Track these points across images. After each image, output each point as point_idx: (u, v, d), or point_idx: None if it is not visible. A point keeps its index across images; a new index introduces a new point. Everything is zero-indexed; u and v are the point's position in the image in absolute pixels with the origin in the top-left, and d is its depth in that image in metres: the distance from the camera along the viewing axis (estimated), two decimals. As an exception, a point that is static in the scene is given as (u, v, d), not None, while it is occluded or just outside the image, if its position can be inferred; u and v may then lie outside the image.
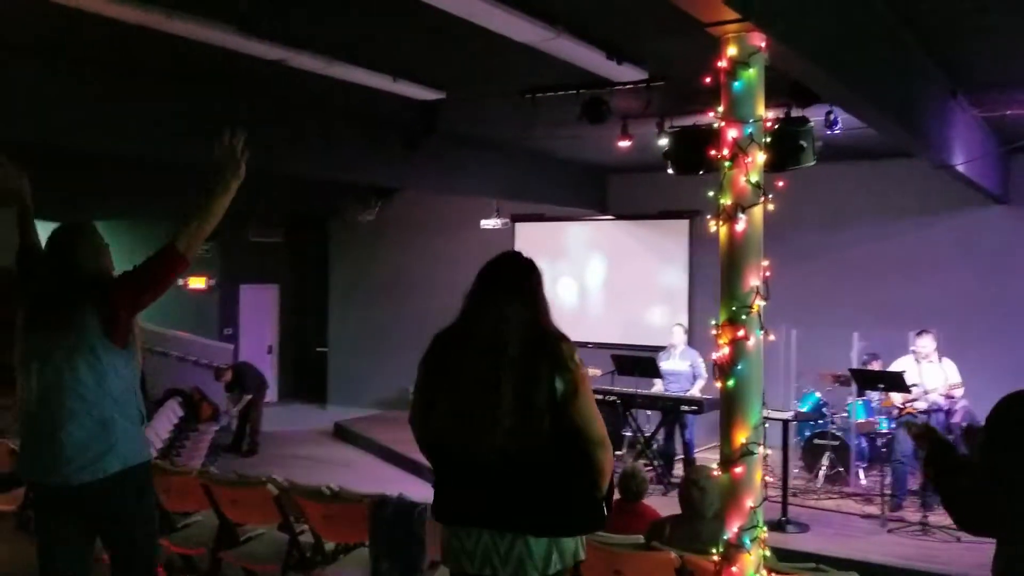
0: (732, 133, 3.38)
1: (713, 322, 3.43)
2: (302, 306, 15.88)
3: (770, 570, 3.43)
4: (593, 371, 10.52)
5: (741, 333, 3.35)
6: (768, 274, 3.39)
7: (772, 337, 3.36)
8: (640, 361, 9.63)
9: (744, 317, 3.33)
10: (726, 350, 3.38)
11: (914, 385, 8.03)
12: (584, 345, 11.83)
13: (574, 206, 12.15)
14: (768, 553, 3.40)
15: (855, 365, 9.00)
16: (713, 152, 3.51)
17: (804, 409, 9.29)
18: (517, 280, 2.99)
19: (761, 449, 3.37)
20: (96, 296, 3.19)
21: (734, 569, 3.34)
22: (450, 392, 2.90)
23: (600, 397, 9.89)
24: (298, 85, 6.98)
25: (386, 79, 6.82)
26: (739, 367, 3.35)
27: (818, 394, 9.56)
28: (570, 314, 12.86)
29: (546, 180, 11.29)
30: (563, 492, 2.84)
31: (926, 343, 8.25)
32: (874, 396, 9.09)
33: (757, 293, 3.35)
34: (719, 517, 4.28)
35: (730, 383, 3.38)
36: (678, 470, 9.36)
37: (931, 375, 8.16)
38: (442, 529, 2.97)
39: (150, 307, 7.90)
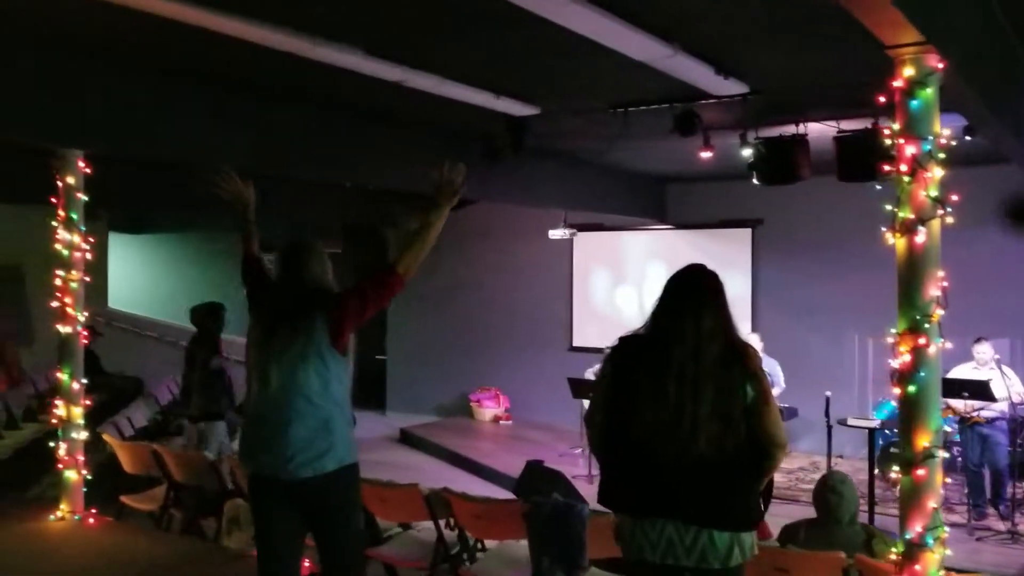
0: (911, 149, 3.55)
1: (892, 331, 3.59)
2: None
3: (948, 570, 3.58)
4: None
5: (922, 341, 3.52)
6: (946, 284, 3.56)
7: (950, 345, 3.53)
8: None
9: (926, 326, 3.50)
10: (907, 358, 3.55)
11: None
12: (645, 353, 12.02)
13: (634, 215, 12.33)
14: (949, 552, 3.55)
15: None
16: (888, 167, 3.68)
17: (881, 418, 9.41)
18: (708, 292, 3.20)
19: (941, 453, 3.54)
20: (325, 307, 3.48)
21: (917, 568, 3.50)
22: (651, 398, 3.09)
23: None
24: (381, 100, 7.22)
25: (489, 96, 7.03)
26: (921, 374, 3.52)
27: (893, 402, 9.67)
28: (630, 323, 12.98)
29: (610, 191, 11.48)
30: (745, 490, 3.08)
31: (984, 350, 8.35)
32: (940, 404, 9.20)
33: (937, 303, 3.52)
34: (854, 522, 4.47)
35: (911, 389, 3.55)
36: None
37: (995, 384, 8.25)
38: (621, 519, 3.18)
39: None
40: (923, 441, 3.52)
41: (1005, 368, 8.11)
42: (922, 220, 3.53)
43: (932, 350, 3.51)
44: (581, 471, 9.88)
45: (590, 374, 11.16)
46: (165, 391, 11.54)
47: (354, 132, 8.13)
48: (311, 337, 3.42)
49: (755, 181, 8.24)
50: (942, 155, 3.56)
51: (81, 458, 6.48)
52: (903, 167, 3.57)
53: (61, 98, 5.80)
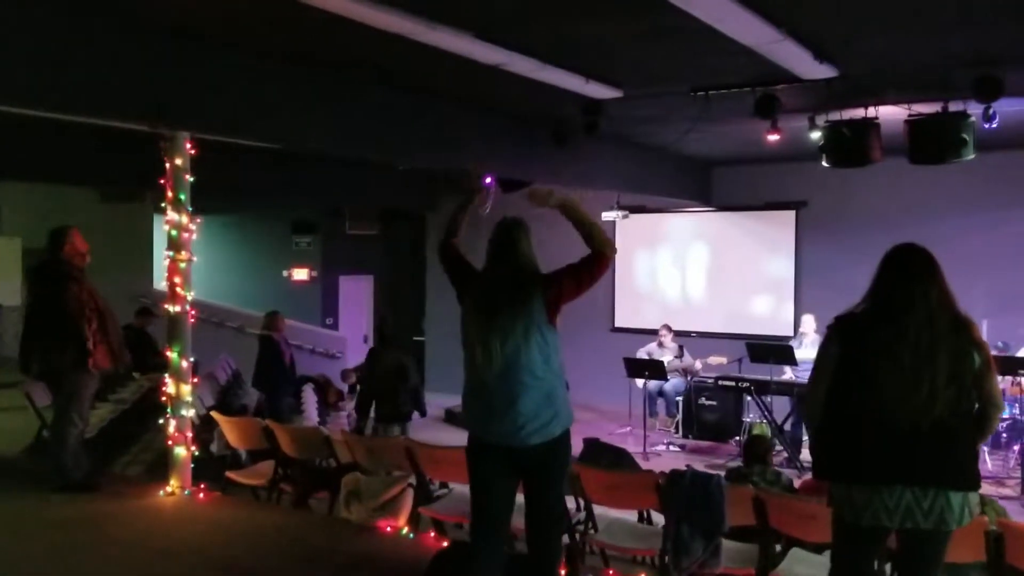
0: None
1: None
2: (398, 296, 16.27)
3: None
4: (718, 359, 10.92)
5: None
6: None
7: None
8: (776, 349, 10.00)
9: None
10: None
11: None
12: (688, 334, 12.24)
13: (681, 198, 12.51)
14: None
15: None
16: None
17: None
18: (931, 268, 3.38)
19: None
20: (544, 287, 3.70)
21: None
22: (888, 367, 3.27)
23: (732, 384, 10.30)
24: (458, 84, 7.34)
25: (580, 80, 7.19)
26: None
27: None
28: (672, 305, 13.25)
29: (661, 173, 11.66)
30: (973, 451, 3.32)
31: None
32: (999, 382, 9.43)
33: None
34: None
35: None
36: (804, 455, 9.74)
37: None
38: (847, 488, 3.36)
39: (261, 298, 8.33)
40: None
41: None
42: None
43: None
44: (633, 449, 10.10)
45: (643, 353, 11.40)
46: (221, 372, 11.69)
47: (430, 115, 8.26)
48: (532, 316, 3.63)
49: (824, 163, 8.40)
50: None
51: (190, 434, 6.64)
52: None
53: (170, 81, 5.93)
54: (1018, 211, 10.70)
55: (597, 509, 5.55)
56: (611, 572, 4.98)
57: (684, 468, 4.96)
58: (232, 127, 6.75)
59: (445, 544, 5.19)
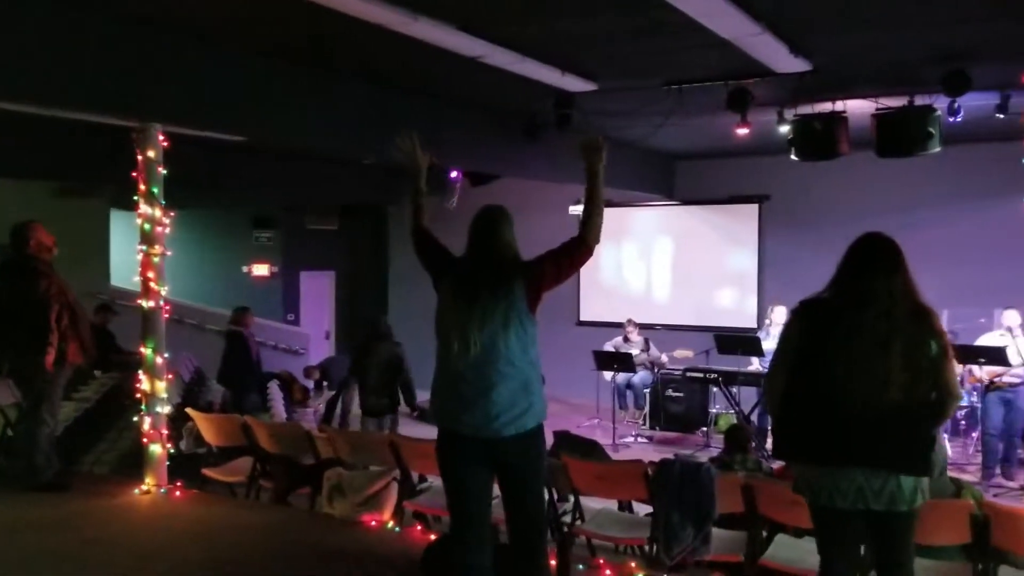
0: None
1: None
2: (359, 292, 16.15)
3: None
4: (684, 352, 11.03)
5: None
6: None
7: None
8: (743, 340, 10.13)
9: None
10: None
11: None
12: (653, 327, 12.34)
13: (645, 191, 12.59)
14: None
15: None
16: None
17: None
18: (894, 257, 3.45)
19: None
20: (524, 275, 3.63)
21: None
22: (845, 354, 3.35)
23: (700, 375, 10.41)
24: (431, 76, 7.34)
25: (556, 73, 7.21)
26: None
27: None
28: (639, 297, 13.35)
29: (625, 167, 11.72)
30: (926, 438, 3.38)
31: (1013, 316, 8.82)
32: (957, 371, 9.66)
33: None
34: (944, 475, 4.82)
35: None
36: (771, 443, 9.89)
37: (1020, 349, 8.73)
38: (806, 469, 3.47)
39: (220, 294, 8.31)
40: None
41: (1028, 335, 8.55)
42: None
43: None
44: (602, 441, 10.15)
45: (609, 347, 11.47)
46: (184, 370, 11.51)
47: (400, 109, 8.20)
48: (512, 304, 3.57)
49: (792, 157, 8.53)
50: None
51: (165, 432, 6.52)
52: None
53: (141, 72, 5.81)
54: (978, 203, 10.93)
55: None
56: (601, 561, 5.00)
57: (672, 457, 5.00)
58: (202, 120, 6.65)
59: (433, 537, 5.16)
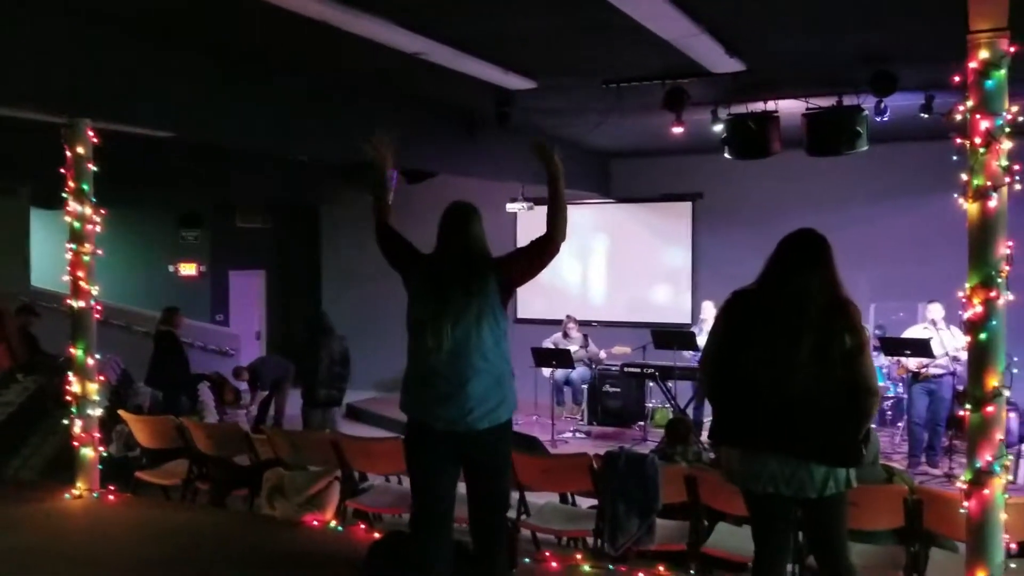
0: (985, 124, 3.98)
1: (968, 285, 4.04)
2: (291, 291, 15.93)
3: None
4: (623, 348, 11.15)
5: (993, 294, 3.98)
6: (1012, 243, 4.03)
7: (1012, 297, 4.01)
8: (679, 335, 10.28)
9: (997, 280, 3.97)
10: (979, 308, 4.00)
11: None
12: (590, 324, 12.44)
13: (581, 189, 12.68)
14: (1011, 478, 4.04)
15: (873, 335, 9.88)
16: (960, 139, 4.10)
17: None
18: (817, 252, 3.55)
19: (1007, 392, 4.03)
20: (497, 270, 3.67)
21: (986, 492, 3.98)
22: (757, 344, 3.47)
23: (637, 370, 10.54)
24: (372, 71, 7.28)
25: (496, 70, 7.22)
26: (992, 322, 3.99)
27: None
28: (576, 294, 13.45)
29: (564, 165, 11.75)
30: (840, 431, 3.44)
31: (936, 309, 9.14)
32: (884, 363, 9.97)
33: (1006, 260, 3.99)
34: (876, 463, 4.97)
35: (982, 336, 4.02)
36: (705, 436, 10.07)
37: (944, 341, 9.04)
38: (730, 453, 3.58)
39: (147, 294, 8.26)
40: (993, 381, 3.99)
41: (953, 328, 8.85)
42: (994, 187, 3.97)
43: (1001, 301, 3.98)
44: (540, 437, 10.22)
45: (548, 343, 11.54)
46: (110, 372, 11.19)
47: (336, 106, 8.13)
48: (486, 299, 3.60)
49: (726, 155, 8.69)
50: (1008, 129, 3.99)
51: (97, 435, 6.35)
52: (977, 140, 3.99)
53: (70, 67, 5.64)
54: (905, 201, 11.22)
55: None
56: (547, 554, 5.03)
57: (617, 449, 5.05)
58: (134, 116, 6.47)
59: (378, 536, 5.12)
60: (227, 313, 15.04)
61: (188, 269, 14.70)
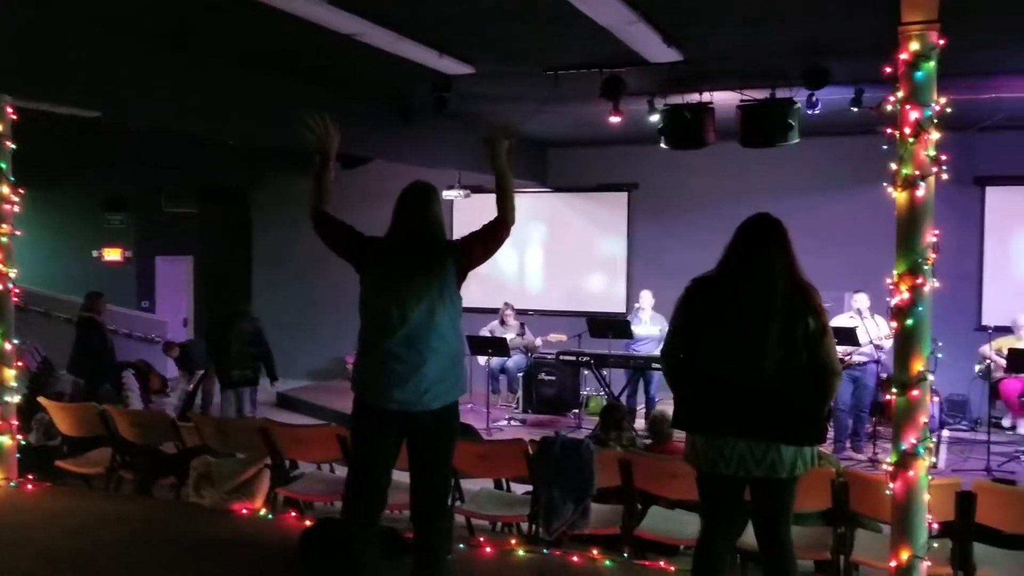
0: (914, 115, 4.06)
1: (896, 272, 4.12)
2: (220, 278, 15.60)
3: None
4: (558, 336, 11.19)
5: (920, 280, 4.07)
6: (938, 232, 4.13)
7: (938, 284, 4.11)
8: (614, 324, 10.35)
9: (924, 268, 4.06)
10: (906, 295, 4.09)
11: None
12: (526, 313, 12.45)
13: (518, 178, 12.57)
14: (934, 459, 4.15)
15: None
16: (890, 130, 4.18)
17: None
18: (776, 237, 3.61)
19: (931, 376, 4.13)
20: (454, 252, 3.66)
21: (910, 473, 4.08)
22: (723, 329, 3.50)
23: (572, 359, 10.58)
24: (303, 56, 7.23)
25: (433, 54, 7.13)
26: (919, 308, 4.08)
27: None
28: (512, 283, 13.44)
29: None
30: (806, 411, 3.51)
31: (862, 299, 9.37)
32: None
33: (933, 248, 4.08)
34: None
35: (909, 322, 4.10)
36: (639, 424, 10.15)
37: (869, 329, 9.28)
38: (695, 438, 3.59)
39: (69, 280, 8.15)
40: (918, 366, 4.08)
41: (877, 317, 9.07)
42: (922, 176, 4.06)
43: (927, 288, 4.07)
44: (476, 424, 10.19)
45: (485, 331, 11.51)
46: (30, 359, 10.81)
47: (267, 88, 7.97)
48: (445, 280, 3.60)
49: (663, 145, 8.76)
50: (936, 120, 4.08)
51: (15, 423, 6.12)
52: (907, 130, 4.07)
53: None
54: (836, 193, 11.43)
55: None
56: (482, 539, 5.01)
57: (553, 435, 5.06)
58: (57, 93, 6.24)
59: (309, 523, 5.04)
60: (153, 300, 14.69)
61: (113, 254, 14.31)
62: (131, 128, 10.32)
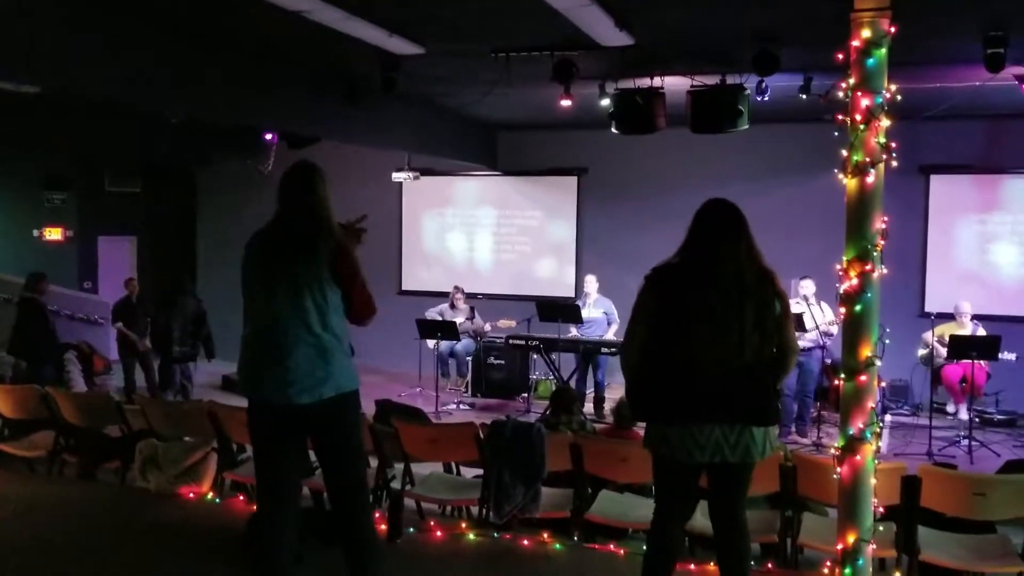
0: (865, 102, 4.09)
1: (845, 259, 4.17)
2: (164, 259, 15.29)
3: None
4: (507, 322, 11.19)
5: (868, 267, 4.12)
6: (887, 219, 4.18)
7: (886, 271, 4.17)
8: (563, 308, 10.37)
9: (873, 254, 4.11)
10: (855, 281, 4.14)
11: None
12: (475, 296, 12.43)
13: (468, 161, 12.61)
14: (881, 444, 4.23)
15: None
16: (841, 117, 4.22)
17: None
18: (739, 222, 3.62)
19: (879, 362, 4.20)
20: (330, 248, 3.42)
21: (857, 458, 4.14)
22: (700, 318, 3.47)
23: (521, 343, 10.59)
24: (252, 30, 7.09)
25: (383, 33, 7.04)
26: (867, 295, 4.13)
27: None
28: (461, 266, 13.40)
29: (448, 135, 11.69)
30: (773, 390, 3.56)
31: (808, 285, 9.51)
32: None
33: (882, 234, 4.14)
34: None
35: (857, 308, 4.15)
36: (587, 408, 10.21)
37: (815, 315, 9.43)
38: (663, 429, 3.55)
39: (8, 259, 7.91)
40: (866, 352, 4.14)
41: (823, 304, 9.21)
42: (873, 163, 4.10)
43: (876, 274, 4.12)
44: (424, 408, 10.14)
45: (434, 314, 11.46)
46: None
47: (215, 65, 7.80)
48: (312, 269, 3.39)
49: (613, 130, 8.77)
50: (886, 107, 4.13)
51: (-49, 406, 5.95)
52: (858, 117, 4.11)
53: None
54: (785, 180, 11.52)
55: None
56: (432, 523, 4.99)
57: (504, 418, 5.05)
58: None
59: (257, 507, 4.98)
60: (96, 281, 14.36)
61: (54, 234, 13.95)
62: (71, 104, 10.07)
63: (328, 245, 3.42)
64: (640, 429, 5.96)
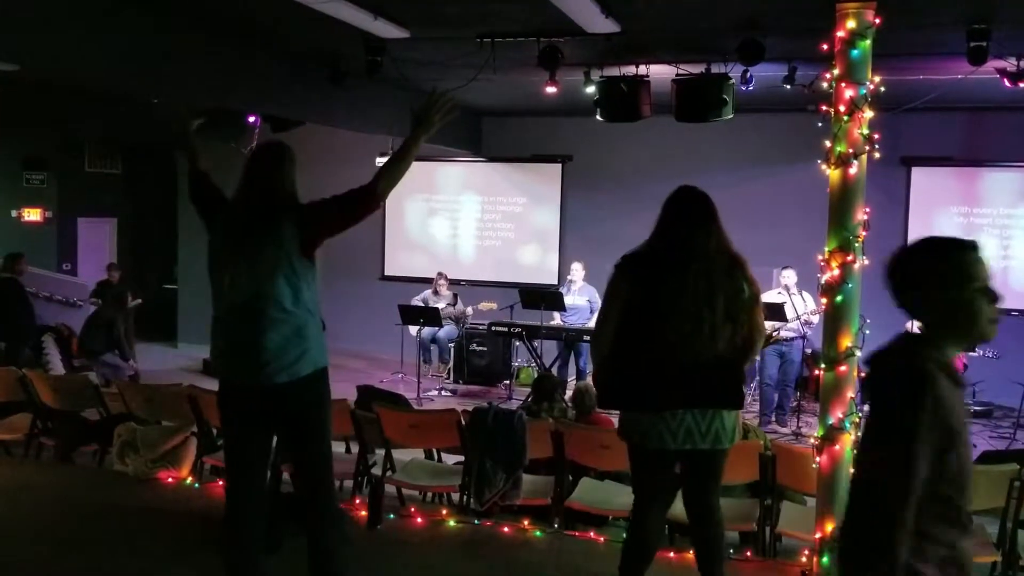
0: (849, 93, 4.11)
1: (827, 249, 4.19)
2: (144, 240, 15.19)
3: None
4: (488, 304, 11.17)
5: (850, 258, 4.15)
6: (868, 210, 4.21)
7: (867, 262, 4.19)
8: (546, 295, 10.37)
9: (855, 245, 4.14)
10: (836, 272, 4.16)
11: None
12: (458, 283, 12.41)
13: (452, 146, 12.54)
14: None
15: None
16: (825, 107, 4.23)
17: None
18: (709, 210, 3.60)
19: (859, 352, 4.22)
20: (298, 217, 3.34)
21: (836, 447, 4.18)
22: (672, 310, 3.46)
23: (504, 329, 10.59)
24: (234, 11, 7.02)
25: (367, 15, 6.98)
26: (848, 285, 4.16)
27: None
28: (444, 252, 13.36)
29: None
30: (741, 375, 3.61)
31: (790, 275, 9.56)
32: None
33: (863, 225, 4.16)
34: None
35: (838, 298, 4.19)
36: (569, 396, 10.24)
37: (796, 305, 9.48)
38: (635, 416, 3.56)
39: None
40: (846, 342, 4.18)
41: (805, 293, 9.25)
42: (856, 154, 4.12)
43: (857, 265, 4.16)
44: (406, 394, 10.14)
45: (418, 300, 11.44)
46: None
47: (197, 47, 7.72)
48: (282, 246, 3.32)
49: (598, 117, 8.76)
50: (869, 99, 4.14)
51: (-74, 387, 5.89)
52: (841, 108, 4.13)
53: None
54: (768, 169, 11.54)
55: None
56: (412, 509, 4.99)
57: (487, 405, 5.05)
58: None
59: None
60: (75, 262, 14.25)
61: (33, 215, 13.82)
62: (51, 84, 9.94)
63: (290, 214, 3.34)
64: (603, 413, 6.00)
